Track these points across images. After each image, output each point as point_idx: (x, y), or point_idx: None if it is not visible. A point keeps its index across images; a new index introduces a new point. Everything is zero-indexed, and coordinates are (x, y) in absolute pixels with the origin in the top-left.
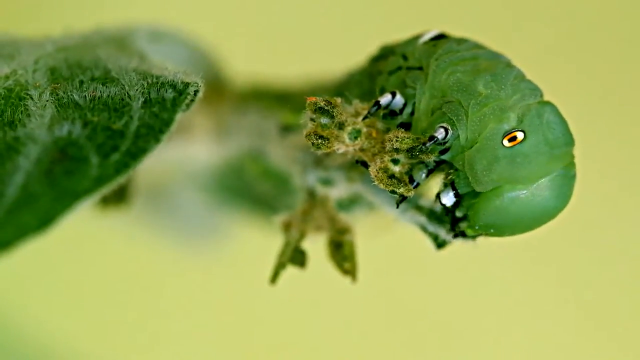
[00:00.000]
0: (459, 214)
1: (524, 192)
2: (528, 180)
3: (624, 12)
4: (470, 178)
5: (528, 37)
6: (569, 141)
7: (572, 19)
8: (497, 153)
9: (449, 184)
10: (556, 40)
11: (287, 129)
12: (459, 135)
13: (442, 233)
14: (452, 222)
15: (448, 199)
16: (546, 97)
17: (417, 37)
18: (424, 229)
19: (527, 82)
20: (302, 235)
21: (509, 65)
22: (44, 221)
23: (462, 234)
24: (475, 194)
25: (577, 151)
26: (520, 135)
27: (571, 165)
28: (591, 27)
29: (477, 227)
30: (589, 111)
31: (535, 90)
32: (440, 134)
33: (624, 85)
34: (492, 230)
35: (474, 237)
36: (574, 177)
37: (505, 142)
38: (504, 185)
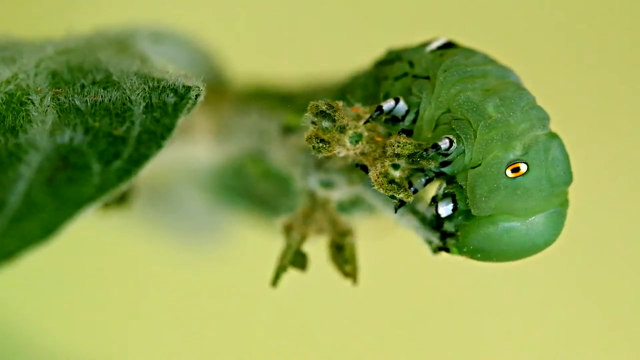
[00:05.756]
0: (449, 228)
1: (519, 224)
2: (525, 213)
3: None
4: (469, 200)
5: (532, 39)
6: (569, 180)
7: (579, 23)
8: (498, 182)
9: (450, 196)
10: (560, 43)
11: (288, 130)
12: (464, 152)
13: (435, 239)
14: (440, 235)
15: (445, 210)
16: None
17: (424, 45)
18: (420, 233)
19: (537, 109)
20: (303, 238)
21: (519, 87)
22: (47, 230)
23: (446, 250)
24: (467, 215)
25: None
26: (523, 168)
27: (566, 202)
28: (595, 30)
29: (464, 249)
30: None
31: (544, 119)
32: (444, 143)
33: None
34: (479, 255)
35: (457, 255)
36: (566, 214)
37: (509, 173)
38: (499, 214)
